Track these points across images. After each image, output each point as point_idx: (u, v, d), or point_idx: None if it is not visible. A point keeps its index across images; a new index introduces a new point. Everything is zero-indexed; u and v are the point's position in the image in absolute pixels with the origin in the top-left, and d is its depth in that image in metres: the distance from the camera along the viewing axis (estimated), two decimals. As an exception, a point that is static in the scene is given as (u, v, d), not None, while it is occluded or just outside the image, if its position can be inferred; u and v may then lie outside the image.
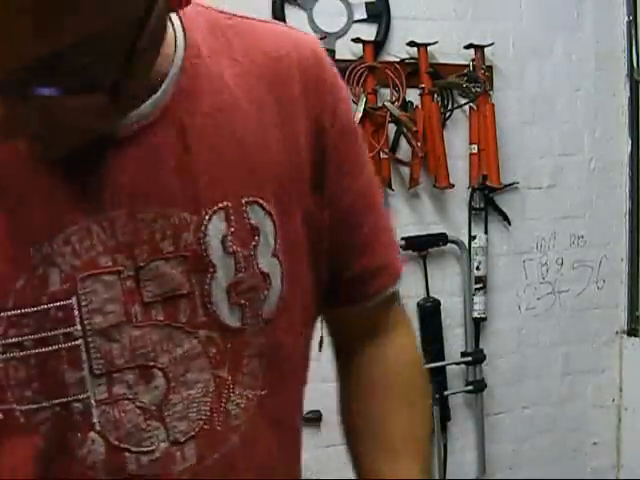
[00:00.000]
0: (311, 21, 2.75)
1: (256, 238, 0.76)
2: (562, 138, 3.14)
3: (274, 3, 2.69)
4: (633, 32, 3.16)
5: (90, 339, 0.71)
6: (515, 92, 3.05)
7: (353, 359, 0.98)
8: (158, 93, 0.73)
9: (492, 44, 2.92)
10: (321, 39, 2.72)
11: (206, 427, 0.76)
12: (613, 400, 3.30)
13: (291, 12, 2.72)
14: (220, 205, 0.74)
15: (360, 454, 1.01)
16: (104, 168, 0.71)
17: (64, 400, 0.72)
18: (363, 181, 0.90)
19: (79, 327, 0.71)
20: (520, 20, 3.04)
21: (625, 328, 3.28)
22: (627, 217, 3.26)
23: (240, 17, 0.82)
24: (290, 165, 0.80)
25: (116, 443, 0.73)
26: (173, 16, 0.76)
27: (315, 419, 2.83)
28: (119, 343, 0.72)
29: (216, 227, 0.74)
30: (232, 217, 0.75)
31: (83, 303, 0.71)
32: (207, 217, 0.73)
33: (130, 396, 0.73)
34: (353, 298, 0.93)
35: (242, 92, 0.78)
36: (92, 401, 0.72)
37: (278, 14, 2.69)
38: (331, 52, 2.76)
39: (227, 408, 0.78)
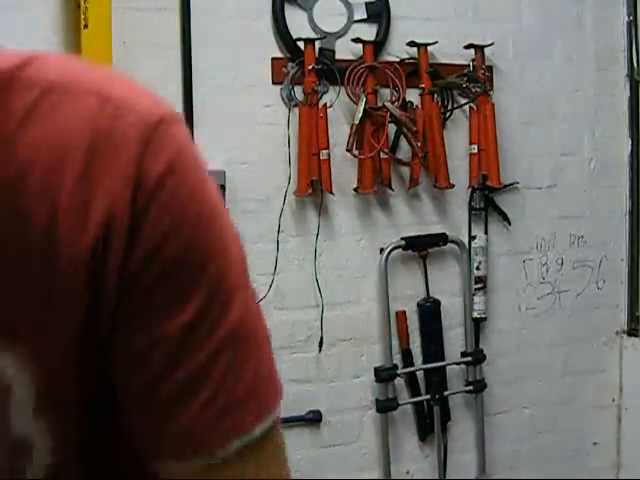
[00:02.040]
0: (311, 21, 2.75)
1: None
2: (562, 138, 3.14)
3: (274, 3, 2.69)
4: (633, 32, 3.16)
5: None
6: (515, 92, 3.05)
7: None
8: None
9: (492, 44, 2.92)
10: (321, 39, 2.72)
11: None
12: (613, 400, 3.30)
13: (291, 12, 2.72)
14: None
15: None
16: None
17: None
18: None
19: None
20: (520, 20, 3.04)
21: (625, 328, 3.28)
22: (627, 217, 3.26)
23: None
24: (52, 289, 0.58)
25: None
26: None
27: (315, 419, 2.83)
28: None
29: None
30: None
31: None
32: None
33: None
34: (179, 454, 0.64)
35: None
36: None
37: (278, 14, 2.69)
38: (331, 52, 2.76)
39: None
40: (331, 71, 2.73)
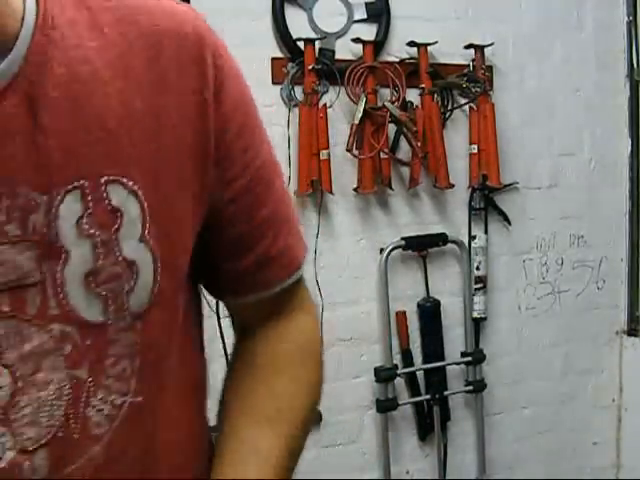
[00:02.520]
0: (311, 21, 2.75)
1: (118, 221, 0.69)
2: (562, 138, 3.14)
3: (274, 3, 2.69)
4: (633, 32, 3.16)
5: None
6: (515, 92, 3.05)
7: (245, 339, 0.92)
8: (4, 62, 0.65)
9: (492, 44, 2.92)
10: (321, 39, 2.72)
11: (60, 434, 0.68)
12: (613, 400, 3.30)
13: (291, 12, 2.72)
14: (75, 184, 0.67)
15: (224, 420, 0.89)
16: None
17: None
18: (260, 161, 0.85)
19: None
20: (520, 20, 3.04)
21: (625, 328, 3.28)
22: (627, 217, 3.26)
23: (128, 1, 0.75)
24: (164, 141, 0.73)
25: None
26: None
27: (315, 419, 2.83)
28: None
29: (69, 208, 0.67)
30: (89, 197, 0.67)
31: None
32: (59, 197, 0.66)
33: None
34: (251, 288, 0.87)
35: (104, 64, 0.70)
36: None
37: (278, 14, 2.69)
38: (331, 52, 2.76)
39: (86, 414, 0.69)
40: (331, 71, 2.73)
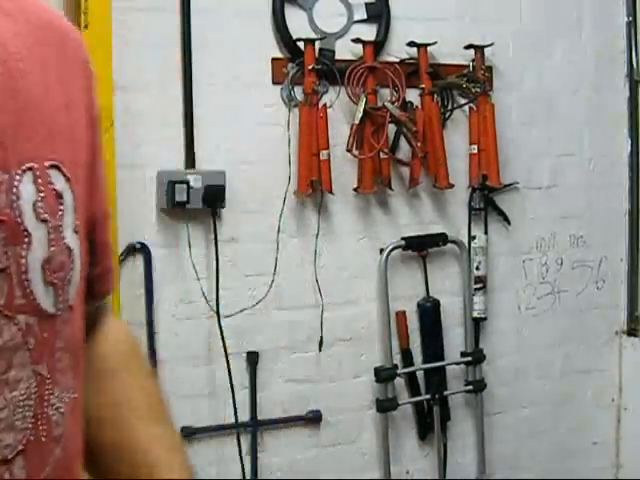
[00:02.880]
0: (311, 21, 2.75)
1: (62, 207, 0.67)
2: (562, 138, 3.14)
3: (274, 3, 2.69)
4: (633, 32, 3.17)
5: None
6: (515, 92, 3.05)
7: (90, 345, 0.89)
8: None
9: (492, 44, 2.92)
10: (321, 39, 2.73)
11: (32, 439, 0.63)
12: (613, 400, 3.30)
13: (291, 12, 2.72)
14: (28, 165, 0.64)
15: (114, 426, 0.86)
16: None
17: None
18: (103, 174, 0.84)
19: None
20: (520, 20, 3.04)
21: (625, 328, 3.28)
22: (627, 217, 3.26)
23: None
24: (77, 135, 0.73)
25: None
26: None
27: (315, 419, 2.84)
28: None
29: (27, 190, 0.64)
30: (39, 180, 0.65)
31: None
32: (17, 177, 0.63)
33: None
34: (96, 294, 0.85)
35: (24, 50, 0.68)
36: None
37: (278, 14, 2.69)
38: (331, 52, 2.76)
39: (49, 414, 0.65)
40: (331, 71, 2.73)
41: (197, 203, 2.56)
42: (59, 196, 0.67)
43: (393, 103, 2.76)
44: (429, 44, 2.82)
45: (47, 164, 0.66)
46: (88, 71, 0.79)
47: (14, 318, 0.62)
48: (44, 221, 0.65)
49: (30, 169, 0.65)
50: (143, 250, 2.60)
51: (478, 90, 2.89)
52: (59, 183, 0.67)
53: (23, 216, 0.63)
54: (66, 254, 0.67)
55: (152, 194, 2.59)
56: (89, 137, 0.76)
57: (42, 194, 0.65)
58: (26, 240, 0.63)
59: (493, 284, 3.06)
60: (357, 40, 2.75)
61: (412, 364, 2.94)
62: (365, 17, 2.81)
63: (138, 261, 2.60)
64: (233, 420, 2.67)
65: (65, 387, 0.68)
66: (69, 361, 0.68)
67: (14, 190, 0.63)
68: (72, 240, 0.68)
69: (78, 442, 0.71)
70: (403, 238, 2.86)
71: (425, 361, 2.97)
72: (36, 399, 0.64)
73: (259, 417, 2.76)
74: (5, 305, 0.61)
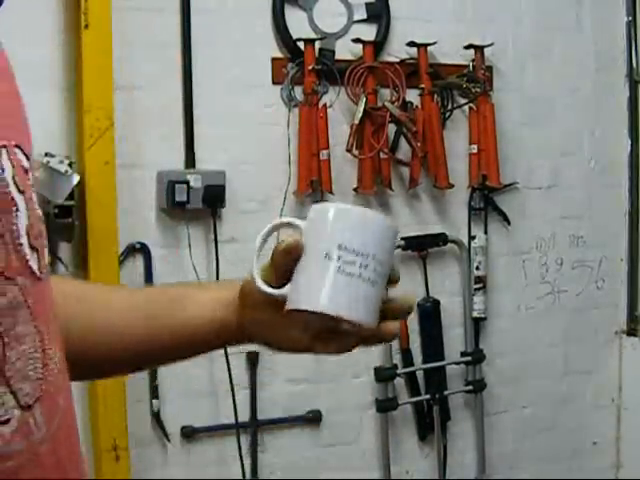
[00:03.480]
0: (311, 21, 2.75)
1: (29, 182, 0.71)
2: (562, 138, 3.14)
3: (274, 3, 2.69)
4: (633, 32, 3.17)
5: None
6: (515, 92, 3.05)
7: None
8: None
9: (492, 44, 2.92)
10: (321, 39, 2.73)
11: (44, 387, 0.68)
12: (613, 400, 3.30)
13: (291, 12, 2.72)
14: (3, 142, 0.69)
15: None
16: None
17: None
18: None
19: None
20: (520, 21, 3.05)
21: (625, 328, 3.28)
22: (627, 217, 3.26)
23: None
24: (22, 118, 0.76)
25: None
26: None
27: (315, 419, 2.84)
28: None
29: (7, 165, 0.68)
30: (11, 157, 0.69)
31: None
32: None
33: None
34: None
35: None
36: None
37: (278, 14, 2.69)
38: (331, 52, 2.76)
39: (51, 367, 0.70)
40: (331, 71, 2.73)
41: (197, 203, 2.57)
42: (26, 172, 0.72)
43: (393, 103, 2.76)
44: (429, 44, 2.82)
45: (14, 143, 0.71)
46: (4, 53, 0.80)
47: (14, 279, 0.67)
48: (22, 192, 0.70)
49: (4, 146, 0.69)
50: (143, 250, 2.60)
51: (478, 90, 2.89)
52: (23, 161, 0.72)
53: (9, 187, 0.68)
54: (40, 222, 0.72)
55: (152, 194, 2.59)
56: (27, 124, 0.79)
57: (15, 169, 0.70)
58: (14, 208, 0.68)
59: (493, 284, 3.06)
60: (357, 40, 2.76)
61: (412, 364, 2.95)
62: (365, 17, 2.81)
63: (138, 261, 2.60)
64: (233, 420, 2.67)
65: (56, 342, 0.73)
66: (54, 319, 0.74)
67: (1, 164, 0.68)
68: (39, 211, 0.73)
69: (70, 397, 0.76)
70: (403, 238, 2.86)
71: (425, 361, 2.97)
72: (41, 352, 0.69)
73: (259, 417, 2.76)
74: (6, 267, 0.66)
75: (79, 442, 0.76)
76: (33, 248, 0.69)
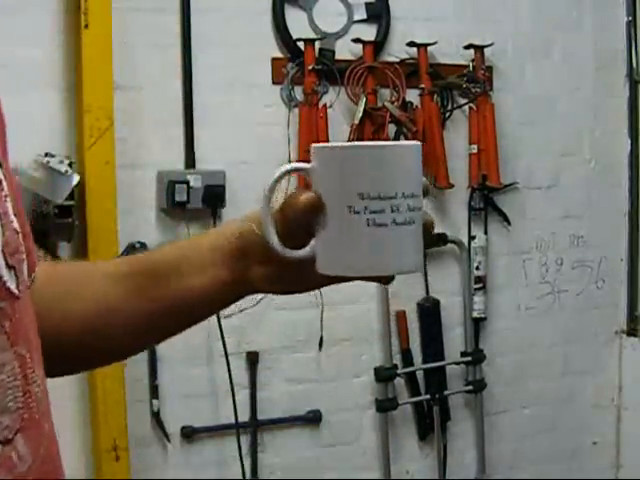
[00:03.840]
0: (311, 21, 2.75)
1: (3, 192, 0.68)
2: (562, 138, 3.14)
3: (274, 3, 2.69)
4: (633, 32, 3.17)
5: None
6: (515, 92, 3.05)
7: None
8: None
9: (492, 44, 2.92)
10: (321, 39, 2.73)
11: (26, 416, 0.65)
12: (613, 400, 3.30)
13: (291, 12, 2.72)
14: None
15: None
16: None
17: None
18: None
19: None
20: (520, 20, 3.04)
21: (624, 328, 3.28)
22: (627, 217, 3.26)
23: None
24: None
25: None
26: None
27: (315, 419, 2.84)
28: None
29: None
30: None
31: None
32: None
33: None
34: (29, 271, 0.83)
35: None
36: None
37: (278, 14, 2.69)
38: (331, 52, 2.76)
39: (35, 392, 0.67)
40: (331, 71, 2.73)
41: (197, 203, 2.57)
42: (0, 181, 0.68)
43: (393, 103, 2.76)
44: (429, 44, 2.82)
45: None
46: None
47: None
48: None
49: None
50: (143, 250, 2.60)
51: (478, 90, 2.89)
52: None
53: None
54: (16, 237, 0.69)
55: (152, 194, 2.59)
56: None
57: None
58: None
59: (493, 284, 3.06)
60: (357, 40, 2.76)
61: (412, 364, 2.95)
62: (365, 17, 2.81)
63: (138, 261, 2.59)
64: (233, 420, 2.67)
65: (39, 364, 0.69)
66: (36, 338, 0.70)
67: None
68: (15, 224, 0.70)
69: (51, 419, 0.72)
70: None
71: (425, 361, 2.97)
72: (22, 379, 0.65)
73: (259, 417, 2.76)
74: None
75: (62, 465, 0.72)
76: (10, 267, 0.66)
